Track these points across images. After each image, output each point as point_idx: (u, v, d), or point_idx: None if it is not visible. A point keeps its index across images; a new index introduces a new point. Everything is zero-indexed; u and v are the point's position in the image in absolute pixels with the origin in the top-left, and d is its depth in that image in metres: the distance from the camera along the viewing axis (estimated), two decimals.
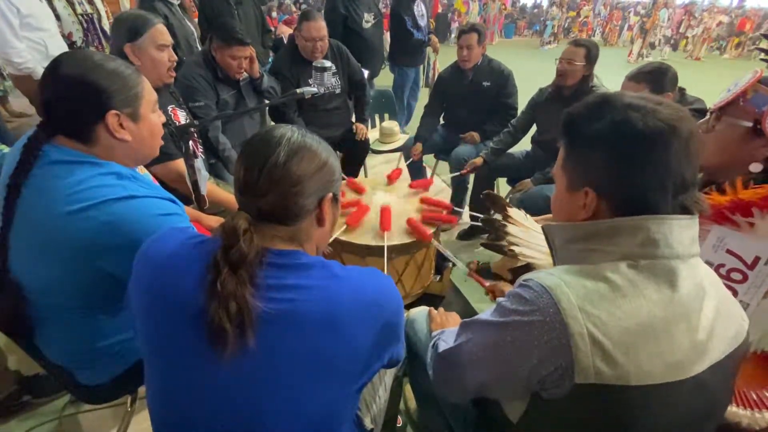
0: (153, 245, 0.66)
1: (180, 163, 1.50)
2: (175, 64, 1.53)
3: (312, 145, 0.65)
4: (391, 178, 2.03)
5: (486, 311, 0.68)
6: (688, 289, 0.58)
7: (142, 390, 1.12)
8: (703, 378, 0.58)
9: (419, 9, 3.64)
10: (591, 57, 2.01)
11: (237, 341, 0.55)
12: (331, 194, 0.67)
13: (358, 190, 1.92)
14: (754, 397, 0.90)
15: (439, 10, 10.33)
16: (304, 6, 9.46)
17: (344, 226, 1.62)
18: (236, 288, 0.55)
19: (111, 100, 0.81)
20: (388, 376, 1.01)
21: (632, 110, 0.58)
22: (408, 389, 1.31)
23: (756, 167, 0.89)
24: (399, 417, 1.25)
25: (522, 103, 2.42)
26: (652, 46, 10.56)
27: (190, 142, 1.32)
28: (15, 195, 0.79)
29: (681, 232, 0.59)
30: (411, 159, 2.62)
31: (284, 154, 0.61)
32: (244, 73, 2.06)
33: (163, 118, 0.95)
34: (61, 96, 0.79)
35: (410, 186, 1.99)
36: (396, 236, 1.60)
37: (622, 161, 0.59)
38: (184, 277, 0.60)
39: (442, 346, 0.75)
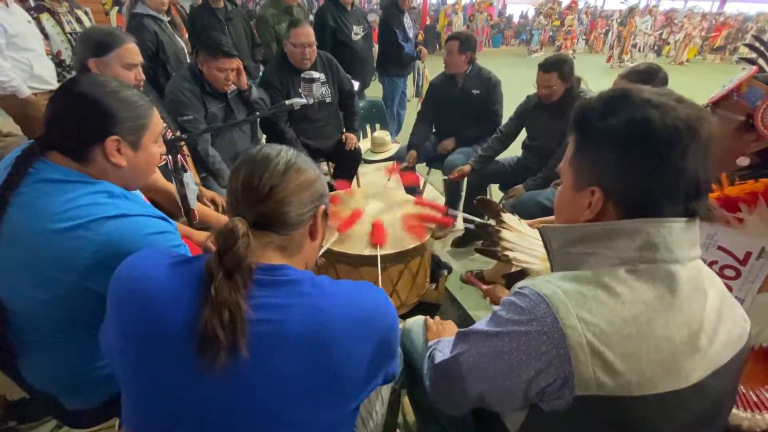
0: (128, 269, 0.63)
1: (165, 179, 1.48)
2: (142, 83, 1.51)
3: (305, 163, 0.68)
4: (391, 171, 2.16)
5: (482, 320, 0.66)
6: (689, 293, 0.56)
7: None
8: (705, 384, 0.56)
9: (407, 21, 3.69)
10: (565, 75, 2.03)
11: (229, 351, 0.53)
12: (323, 207, 0.69)
13: (346, 192, 1.97)
14: (754, 398, 0.89)
15: (428, 22, 10.48)
16: None
17: (336, 234, 1.61)
18: (230, 295, 0.54)
19: (117, 126, 0.82)
20: (385, 389, 0.99)
21: (651, 107, 0.54)
22: (406, 401, 1.28)
23: (743, 161, 0.89)
24: (398, 431, 1.23)
25: (510, 109, 2.45)
26: (635, 47, 10.78)
27: (179, 156, 1.30)
28: (2, 207, 0.77)
29: (681, 235, 0.57)
30: (406, 165, 2.63)
31: (283, 164, 0.64)
32: (232, 85, 2.06)
33: (164, 149, 0.96)
34: (70, 111, 0.80)
35: (400, 180, 2.06)
36: (390, 245, 1.58)
37: (635, 161, 0.55)
38: (167, 302, 0.57)
39: (439, 357, 0.74)
